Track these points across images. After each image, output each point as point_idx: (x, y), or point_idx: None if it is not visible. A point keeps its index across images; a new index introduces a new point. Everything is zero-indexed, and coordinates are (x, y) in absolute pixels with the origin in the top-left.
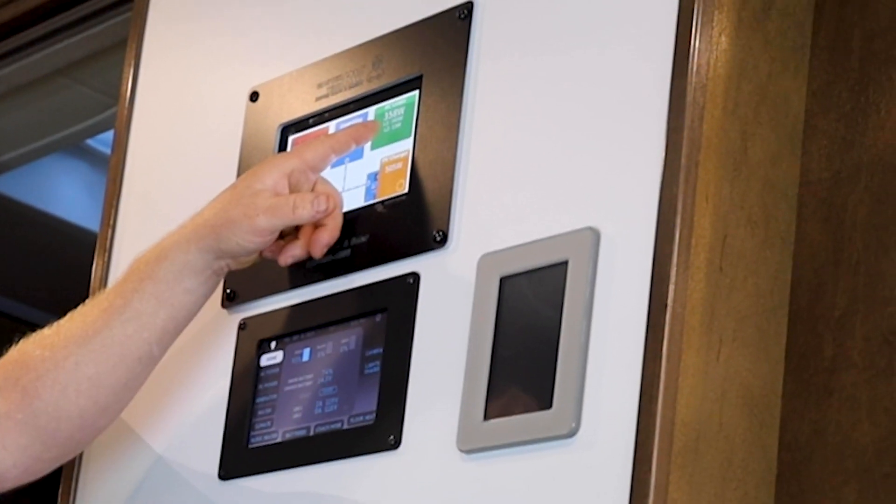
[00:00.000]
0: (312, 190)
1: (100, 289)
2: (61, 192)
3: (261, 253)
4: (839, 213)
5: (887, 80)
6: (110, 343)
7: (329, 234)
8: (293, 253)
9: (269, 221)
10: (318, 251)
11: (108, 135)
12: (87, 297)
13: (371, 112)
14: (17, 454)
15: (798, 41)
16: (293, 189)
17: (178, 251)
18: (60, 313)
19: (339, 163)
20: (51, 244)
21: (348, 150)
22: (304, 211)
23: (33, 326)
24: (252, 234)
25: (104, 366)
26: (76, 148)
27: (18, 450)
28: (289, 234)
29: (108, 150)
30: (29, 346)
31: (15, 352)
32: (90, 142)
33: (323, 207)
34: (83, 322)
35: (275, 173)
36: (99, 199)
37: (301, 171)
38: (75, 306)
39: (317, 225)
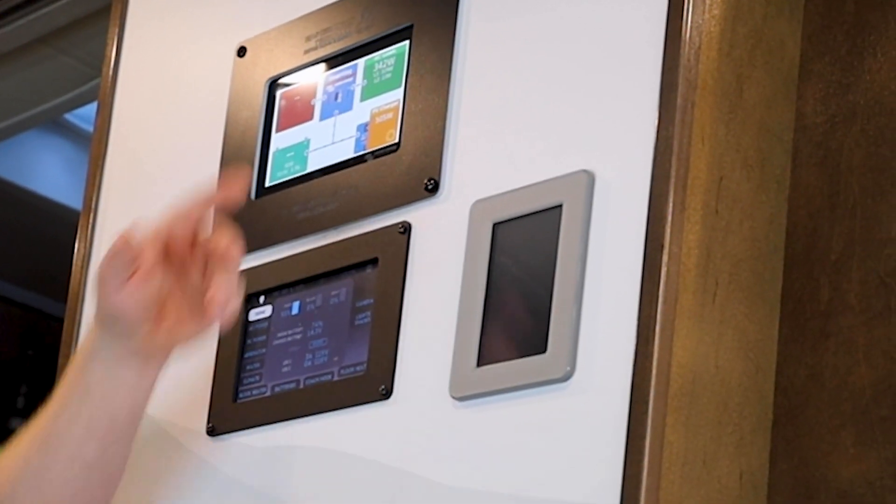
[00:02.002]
0: None
1: (82, 271)
2: (41, 169)
3: (207, 318)
4: (835, 156)
5: (882, 22)
6: (45, 441)
7: (218, 292)
8: (216, 301)
9: (106, 264)
10: (218, 315)
11: (89, 111)
12: (67, 274)
13: (361, 63)
14: None
15: None
16: None
17: (86, 341)
18: (38, 289)
19: (329, 115)
20: (30, 220)
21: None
22: (111, 251)
23: (11, 303)
24: (102, 287)
25: (46, 463)
26: (56, 124)
27: None
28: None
29: (89, 127)
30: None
31: None
32: (71, 118)
33: (120, 245)
34: (33, 425)
35: (118, 239)
36: (79, 177)
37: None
38: (53, 283)
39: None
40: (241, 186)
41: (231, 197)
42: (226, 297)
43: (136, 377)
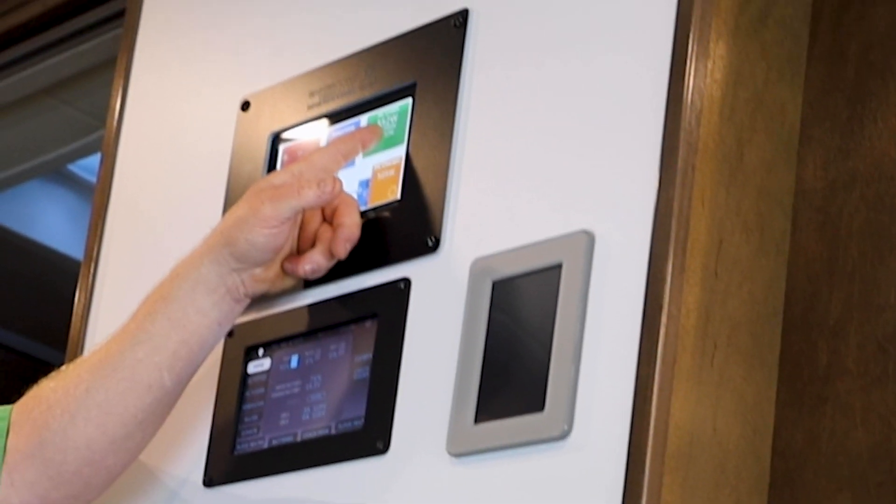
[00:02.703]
0: None
1: (82, 320)
2: (44, 219)
3: (283, 268)
4: (834, 221)
5: (883, 89)
6: (120, 367)
7: (349, 229)
8: (312, 259)
9: (274, 207)
10: (341, 248)
11: (92, 162)
12: (67, 323)
13: (364, 120)
14: (23, 491)
15: (794, 51)
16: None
17: (191, 267)
18: (41, 339)
19: None
20: (31, 269)
21: (356, 153)
22: (309, 191)
23: (13, 352)
24: (259, 225)
25: (113, 392)
26: (60, 175)
27: (25, 486)
28: (307, 248)
29: (92, 178)
30: (45, 381)
31: (33, 389)
32: (74, 169)
33: (329, 189)
34: (97, 350)
35: (283, 174)
36: (81, 227)
37: (312, 170)
38: (56, 332)
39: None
40: (378, 135)
41: (369, 145)
42: (353, 234)
43: (224, 318)
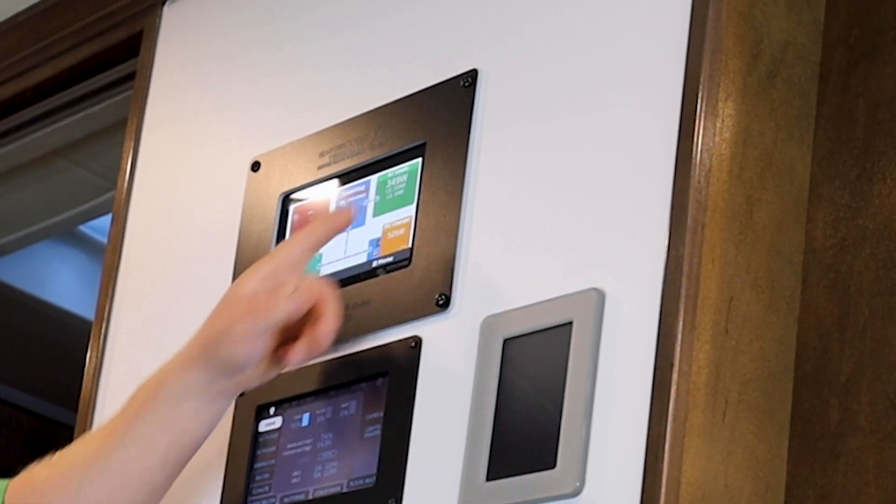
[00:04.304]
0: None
1: (94, 380)
2: (55, 279)
3: (273, 360)
4: (845, 279)
5: (892, 148)
6: (112, 468)
7: (328, 323)
8: (296, 357)
9: (247, 327)
10: (323, 343)
11: (103, 222)
12: (79, 383)
13: (374, 180)
14: None
15: (803, 110)
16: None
17: (175, 377)
18: (53, 399)
19: None
20: (43, 330)
21: (326, 241)
22: (279, 309)
23: (25, 412)
24: (236, 345)
25: (105, 491)
26: (71, 235)
27: None
28: (292, 338)
29: (103, 239)
30: (38, 469)
31: (26, 473)
32: (86, 230)
33: (294, 305)
34: (88, 446)
35: (253, 279)
36: (92, 287)
37: (282, 270)
38: (67, 392)
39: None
40: (347, 220)
41: (339, 230)
42: (334, 325)
43: (217, 414)
